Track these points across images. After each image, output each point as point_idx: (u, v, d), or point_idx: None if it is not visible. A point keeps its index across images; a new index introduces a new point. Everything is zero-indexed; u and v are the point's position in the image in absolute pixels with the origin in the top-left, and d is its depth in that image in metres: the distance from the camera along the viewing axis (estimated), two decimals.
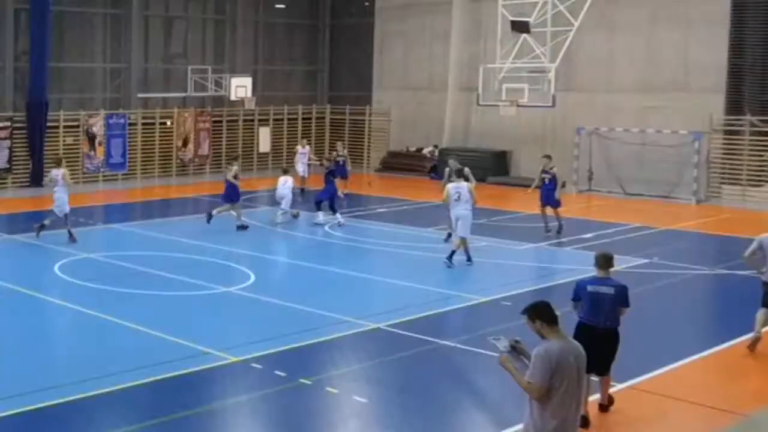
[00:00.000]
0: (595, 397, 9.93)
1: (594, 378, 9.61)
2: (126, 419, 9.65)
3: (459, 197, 17.46)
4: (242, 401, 10.34)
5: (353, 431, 9.77)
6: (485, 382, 10.82)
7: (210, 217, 21.30)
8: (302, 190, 27.45)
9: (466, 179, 18.26)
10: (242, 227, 21.16)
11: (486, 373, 10.93)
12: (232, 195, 21.57)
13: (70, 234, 19.51)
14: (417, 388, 10.70)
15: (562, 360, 6.63)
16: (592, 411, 9.67)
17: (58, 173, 19.99)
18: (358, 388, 10.83)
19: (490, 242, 19.97)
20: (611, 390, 10.06)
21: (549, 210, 20.84)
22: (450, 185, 17.90)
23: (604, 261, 9.80)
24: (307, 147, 28.97)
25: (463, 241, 17.37)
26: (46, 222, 19.82)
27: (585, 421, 9.13)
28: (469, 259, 17.39)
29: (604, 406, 9.93)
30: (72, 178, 29.18)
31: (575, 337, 8.66)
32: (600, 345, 9.37)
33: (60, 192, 19.65)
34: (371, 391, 10.75)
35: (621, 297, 9.66)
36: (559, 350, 6.66)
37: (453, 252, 17.35)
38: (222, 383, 10.82)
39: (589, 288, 9.61)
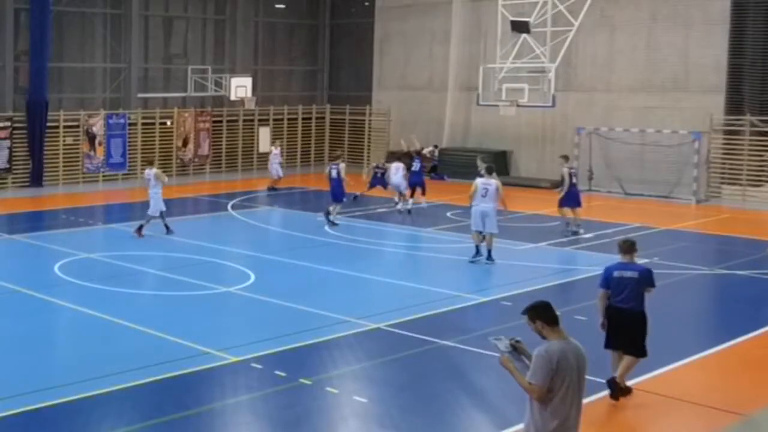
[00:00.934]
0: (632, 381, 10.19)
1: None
2: (126, 419, 9.65)
3: (486, 193, 17.55)
4: (242, 401, 10.34)
5: (353, 431, 9.76)
6: (485, 382, 10.81)
7: (329, 219, 21.64)
8: (276, 189, 28.05)
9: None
10: (333, 224, 21.55)
11: (486, 373, 10.94)
12: (338, 193, 21.95)
13: (167, 227, 20.42)
14: (417, 388, 10.70)
15: (563, 360, 6.63)
16: (593, 410, 9.66)
17: (150, 173, 20.76)
18: (358, 388, 10.83)
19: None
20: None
21: (571, 211, 20.79)
22: (479, 180, 17.91)
23: (627, 247, 10.46)
24: (279, 148, 29.59)
25: (492, 237, 17.52)
26: (144, 223, 20.42)
27: (625, 391, 10.19)
28: (490, 256, 17.49)
29: (623, 390, 10.32)
30: (72, 178, 29.54)
31: (609, 323, 10.23)
32: (630, 326, 10.18)
33: (155, 190, 20.37)
34: (371, 391, 10.75)
35: (645, 279, 10.26)
36: (559, 351, 6.66)
37: (489, 251, 17.45)
38: (222, 383, 10.81)
39: (615, 273, 10.26)
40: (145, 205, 20.68)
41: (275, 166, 28.65)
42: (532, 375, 6.65)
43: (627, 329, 10.19)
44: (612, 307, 10.28)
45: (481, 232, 17.55)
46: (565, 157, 21.46)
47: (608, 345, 10.46)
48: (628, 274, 10.21)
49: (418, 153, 25.20)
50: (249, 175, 32.48)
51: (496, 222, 17.57)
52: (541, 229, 21.28)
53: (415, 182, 24.15)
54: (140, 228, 20.26)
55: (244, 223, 22.82)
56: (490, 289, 15.59)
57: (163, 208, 20.53)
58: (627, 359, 10.31)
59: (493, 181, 17.74)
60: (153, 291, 15.28)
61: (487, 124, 31.58)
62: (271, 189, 28.36)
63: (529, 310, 6.86)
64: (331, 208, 21.81)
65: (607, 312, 10.30)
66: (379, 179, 25.31)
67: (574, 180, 20.79)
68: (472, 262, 17.56)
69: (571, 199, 20.74)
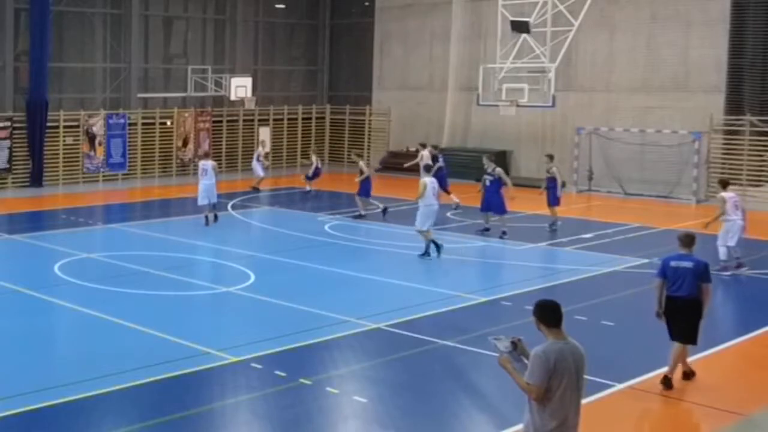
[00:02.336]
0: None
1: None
2: (126, 419, 9.65)
3: (435, 192, 18.54)
4: (242, 401, 10.34)
5: (353, 431, 9.76)
6: (485, 382, 10.82)
7: (361, 215, 22.93)
8: (258, 190, 28.15)
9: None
10: (360, 216, 22.87)
11: (486, 373, 10.94)
12: (367, 189, 23.22)
13: (216, 217, 21.83)
14: (417, 388, 10.70)
15: (561, 361, 6.64)
16: (592, 411, 9.66)
17: (207, 164, 22.10)
18: (358, 388, 10.83)
19: (490, 242, 19.98)
20: (691, 360, 11.21)
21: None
22: (427, 179, 18.80)
23: (687, 239, 11.19)
24: (261, 149, 30.01)
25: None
26: (209, 214, 21.79)
27: (691, 375, 10.97)
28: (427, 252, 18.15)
29: (688, 374, 11.01)
30: (72, 178, 29.54)
31: (667, 313, 10.78)
32: (685, 315, 10.73)
33: (210, 182, 21.57)
34: (371, 391, 10.75)
35: (700, 271, 10.80)
36: (557, 351, 6.66)
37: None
38: (222, 383, 10.81)
39: (672, 263, 10.88)
40: (146, 204, 20.69)
41: (259, 166, 28.92)
42: (529, 375, 6.67)
43: (682, 317, 10.72)
44: (668, 297, 10.83)
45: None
46: (551, 156, 21.90)
47: (674, 336, 10.89)
48: (685, 264, 10.81)
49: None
50: (249, 175, 32.44)
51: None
52: (542, 229, 21.29)
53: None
54: (212, 217, 21.74)
55: (244, 223, 22.82)
56: (490, 289, 15.59)
57: (215, 200, 21.87)
58: (678, 347, 10.80)
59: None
60: (153, 291, 15.28)
61: (487, 124, 31.58)
62: (255, 189, 28.30)
63: (534, 307, 6.90)
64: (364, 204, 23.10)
65: (666, 302, 10.85)
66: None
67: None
68: (425, 256, 18.06)
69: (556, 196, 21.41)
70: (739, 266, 17.11)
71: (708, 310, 10.93)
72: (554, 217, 21.41)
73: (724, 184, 17.40)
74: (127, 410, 9.92)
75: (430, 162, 23.36)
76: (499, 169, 20.88)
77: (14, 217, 23.49)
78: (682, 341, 10.79)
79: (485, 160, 21.21)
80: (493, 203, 20.51)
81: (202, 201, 21.62)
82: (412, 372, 11.39)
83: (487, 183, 20.69)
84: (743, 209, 17.41)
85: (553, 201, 21.36)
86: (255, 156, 29.53)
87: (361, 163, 23.82)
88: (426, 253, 18.04)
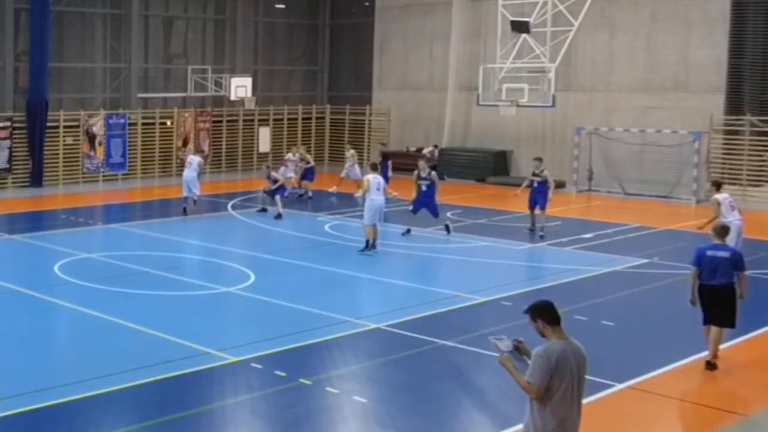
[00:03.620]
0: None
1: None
2: (126, 419, 9.65)
3: (379, 187, 18.93)
4: (242, 401, 10.34)
5: (353, 431, 9.76)
6: (485, 382, 10.81)
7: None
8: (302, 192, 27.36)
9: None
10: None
11: (486, 373, 10.93)
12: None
13: (185, 210, 23.39)
14: (417, 388, 10.70)
15: (562, 360, 6.63)
16: (593, 411, 9.66)
17: (193, 159, 23.88)
18: (358, 388, 10.83)
19: (490, 242, 19.98)
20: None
21: (537, 210, 21.01)
22: (370, 175, 19.44)
23: (722, 231, 11.80)
24: (297, 154, 28.22)
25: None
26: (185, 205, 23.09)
27: (713, 366, 11.41)
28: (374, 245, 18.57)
29: (712, 364, 11.43)
30: (72, 178, 29.54)
31: (702, 300, 11.34)
32: (720, 301, 11.33)
33: (190, 173, 23.47)
34: (371, 391, 10.75)
35: (735, 260, 11.39)
36: (559, 350, 6.66)
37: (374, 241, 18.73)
38: (222, 383, 10.81)
39: (708, 253, 11.43)
40: (146, 204, 20.69)
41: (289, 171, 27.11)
42: (530, 374, 6.66)
43: (720, 304, 11.30)
44: (703, 285, 11.37)
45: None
46: (539, 159, 21.83)
47: (708, 321, 11.51)
48: (721, 254, 11.39)
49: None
50: (249, 175, 32.46)
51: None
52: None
53: None
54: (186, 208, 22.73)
55: (244, 223, 22.82)
56: (490, 289, 15.58)
57: (194, 192, 23.42)
58: (716, 331, 11.40)
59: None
60: (153, 291, 15.28)
61: (487, 124, 31.58)
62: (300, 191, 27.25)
63: (530, 309, 6.87)
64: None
65: (700, 291, 11.38)
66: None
67: (534, 180, 21.16)
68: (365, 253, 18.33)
69: (531, 198, 21.14)
70: None
71: (747, 295, 11.51)
72: (545, 220, 21.21)
73: (717, 186, 17.30)
74: (127, 410, 9.92)
75: (376, 161, 23.77)
76: (547, 172, 21.17)
77: (14, 217, 23.49)
78: (721, 325, 11.42)
79: (536, 162, 21.62)
80: (540, 201, 20.87)
81: (184, 193, 23.50)
82: (412, 372, 11.39)
83: (535, 184, 21.00)
84: (739, 209, 17.32)
85: (544, 204, 21.04)
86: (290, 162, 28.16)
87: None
88: (366, 249, 18.47)
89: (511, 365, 6.82)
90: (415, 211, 20.72)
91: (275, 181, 23.56)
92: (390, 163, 27.04)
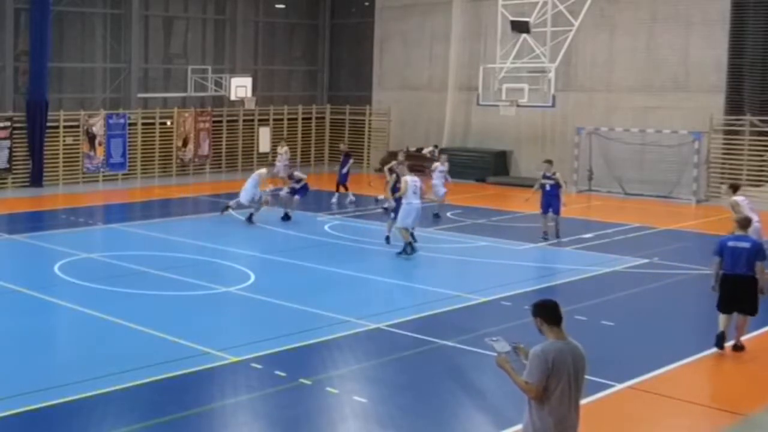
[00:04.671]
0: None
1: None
2: (126, 419, 9.65)
3: (416, 190, 18.44)
4: (242, 401, 10.34)
5: (353, 431, 9.76)
6: (485, 382, 10.81)
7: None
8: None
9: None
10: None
11: (486, 373, 10.93)
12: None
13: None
14: (417, 388, 10.70)
15: (560, 360, 6.64)
16: (592, 410, 9.66)
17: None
18: (358, 388, 10.83)
19: (490, 242, 19.98)
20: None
21: (551, 214, 20.59)
22: (408, 178, 18.72)
23: (745, 222, 12.31)
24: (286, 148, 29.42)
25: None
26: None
27: (740, 348, 12.15)
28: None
29: (739, 347, 12.14)
30: (72, 178, 29.53)
31: (721, 288, 12.04)
32: (742, 290, 11.93)
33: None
34: (371, 391, 10.75)
35: (756, 251, 11.92)
36: (556, 350, 6.67)
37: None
38: (222, 383, 10.81)
39: (730, 244, 12.04)
40: (146, 204, 20.68)
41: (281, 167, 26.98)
42: (528, 374, 6.67)
43: (742, 292, 11.91)
44: (726, 274, 12.01)
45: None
46: (549, 162, 20.99)
47: (720, 308, 12.19)
48: (743, 244, 11.95)
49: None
50: (249, 175, 32.41)
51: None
52: (541, 229, 21.24)
53: None
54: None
55: (244, 223, 22.81)
56: (490, 289, 15.58)
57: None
58: (740, 319, 12.09)
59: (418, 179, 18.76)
60: (153, 291, 15.28)
61: (487, 124, 31.58)
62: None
63: (533, 306, 6.90)
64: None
65: (723, 280, 12.04)
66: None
67: (545, 183, 20.43)
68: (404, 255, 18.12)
69: (543, 202, 20.44)
70: None
71: (766, 285, 11.95)
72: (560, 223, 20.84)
73: (735, 188, 17.00)
74: (127, 410, 9.92)
75: (402, 160, 22.58)
76: (558, 174, 20.67)
77: (14, 217, 23.49)
78: (744, 313, 12.07)
79: (546, 164, 20.87)
80: (554, 205, 20.31)
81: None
82: (412, 372, 11.39)
83: (548, 187, 20.38)
84: (757, 211, 17.10)
85: (558, 208, 20.32)
86: (280, 156, 28.22)
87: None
88: (404, 251, 18.16)
89: (509, 366, 6.84)
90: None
91: (299, 180, 23.42)
92: (351, 160, 26.55)
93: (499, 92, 26.84)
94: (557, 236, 20.24)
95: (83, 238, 20.34)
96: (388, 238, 19.36)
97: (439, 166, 23.67)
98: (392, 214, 19.41)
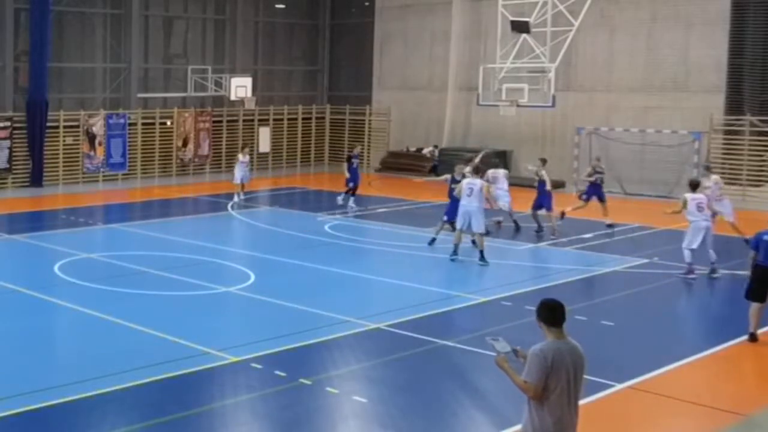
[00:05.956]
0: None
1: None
2: (126, 419, 9.65)
3: (471, 192, 17.79)
4: (242, 401, 10.34)
5: (353, 431, 9.76)
6: (485, 382, 10.81)
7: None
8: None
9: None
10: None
11: (486, 373, 10.92)
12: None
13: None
14: (417, 388, 10.70)
15: (558, 359, 6.65)
16: (591, 410, 9.67)
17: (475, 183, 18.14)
18: (358, 388, 10.83)
19: (490, 242, 19.96)
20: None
21: (544, 213, 20.98)
22: (464, 180, 18.36)
23: None
24: (248, 156, 27.06)
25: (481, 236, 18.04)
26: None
27: (754, 338, 12.58)
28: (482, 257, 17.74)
29: (754, 336, 12.57)
30: (72, 178, 29.52)
31: (753, 278, 12.63)
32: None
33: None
34: (371, 391, 10.75)
35: None
36: (555, 350, 6.67)
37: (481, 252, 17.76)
38: (222, 383, 10.81)
39: (765, 237, 12.59)
40: (146, 204, 20.68)
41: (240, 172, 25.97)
42: (527, 373, 6.68)
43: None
44: (758, 265, 12.58)
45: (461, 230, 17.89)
46: (542, 161, 21.78)
47: (748, 296, 12.72)
48: None
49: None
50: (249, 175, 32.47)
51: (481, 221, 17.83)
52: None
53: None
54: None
55: (244, 223, 22.82)
56: (490, 289, 15.59)
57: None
58: (761, 308, 12.56)
59: (478, 181, 18.05)
60: (153, 291, 15.28)
61: (487, 124, 31.57)
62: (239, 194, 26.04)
63: (538, 305, 6.90)
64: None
65: (755, 270, 12.61)
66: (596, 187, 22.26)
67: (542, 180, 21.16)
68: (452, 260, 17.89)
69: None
70: (712, 271, 16.71)
71: None
72: (556, 219, 21.12)
73: (694, 186, 17.26)
74: (127, 410, 9.92)
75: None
76: (543, 171, 21.13)
77: (14, 217, 23.49)
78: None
79: (539, 162, 21.61)
80: (545, 202, 20.88)
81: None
82: (412, 372, 11.39)
83: (537, 185, 21.12)
84: (714, 211, 17.26)
85: (550, 206, 20.95)
86: (240, 163, 26.34)
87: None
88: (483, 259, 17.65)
89: (508, 365, 6.85)
90: (587, 199, 21.51)
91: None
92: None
93: (499, 92, 26.84)
94: (553, 234, 20.58)
95: (83, 238, 20.35)
96: (434, 239, 19.11)
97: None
98: (445, 217, 19.21)
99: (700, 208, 16.58)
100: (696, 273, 16.53)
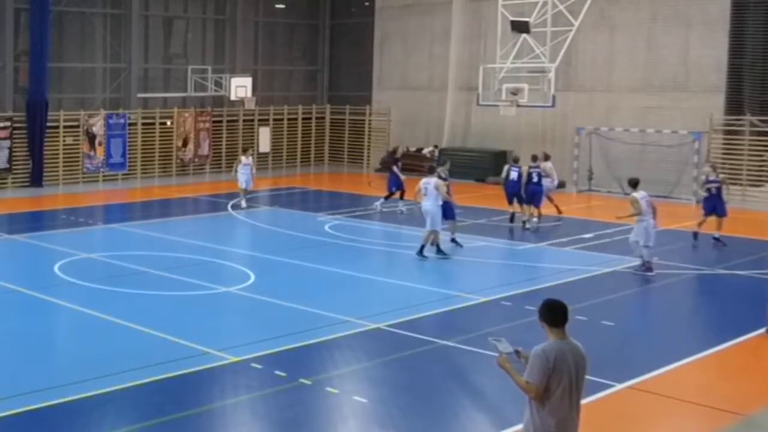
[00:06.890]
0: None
1: None
2: (126, 419, 9.65)
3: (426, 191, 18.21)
4: (242, 401, 10.34)
5: (353, 431, 9.76)
6: (485, 382, 10.81)
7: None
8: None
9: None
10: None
11: (486, 373, 10.93)
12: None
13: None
14: (417, 388, 10.70)
15: (560, 359, 6.64)
16: (593, 411, 9.66)
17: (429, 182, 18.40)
18: (358, 388, 10.82)
19: (490, 242, 19.98)
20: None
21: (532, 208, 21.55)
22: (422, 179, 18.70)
23: None
24: (251, 158, 25.99)
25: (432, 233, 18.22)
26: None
27: None
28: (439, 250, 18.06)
29: None
30: (72, 178, 29.53)
31: None
32: None
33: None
34: (371, 391, 10.75)
35: None
36: (557, 350, 6.67)
37: (437, 246, 18.13)
38: (222, 383, 10.81)
39: None
40: (146, 204, 20.67)
41: (244, 176, 25.07)
42: (528, 374, 6.68)
43: None
44: None
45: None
46: (534, 158, 22.20)
47: None
48: None
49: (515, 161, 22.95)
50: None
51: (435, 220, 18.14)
52: (541, 228, 21.26)
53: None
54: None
55: (244, 223, 22.82)
56: (490, 289, 15.58)
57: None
58: None
59: (432, 180, 18.38)
60: (153, 291, 15.28)
61: (487, 124, 31.58)
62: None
63: (540, 306, 6.90)
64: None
65: None
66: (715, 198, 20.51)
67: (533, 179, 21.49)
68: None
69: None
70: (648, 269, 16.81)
71: None
72: (539, 216, 21.54)
73: (634, 184, 17.31)
74: (127, 410, 9.92)
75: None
76: (523, 168, 21.68)
77: (14, 217, 23.49)
78: None
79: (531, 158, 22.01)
80: (535, 199, 21.45)
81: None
82: (412, 372, 11.39)
83: (535, 178, 21.48)
84: (654, 209, 17.30)
85: (539, 202, 21.56)
86: (243, 166, 25.23)
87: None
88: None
89: (509, 366, 6.84)
90: (707, 213, 20.00)
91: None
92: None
93: (499, 92, 26.84)
94: (528, 225, 21.18)
95: (83, 238, 20.34)
96: (454, 240, 19.16)
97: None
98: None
99: (648, 205, 16.83)
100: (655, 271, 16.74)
